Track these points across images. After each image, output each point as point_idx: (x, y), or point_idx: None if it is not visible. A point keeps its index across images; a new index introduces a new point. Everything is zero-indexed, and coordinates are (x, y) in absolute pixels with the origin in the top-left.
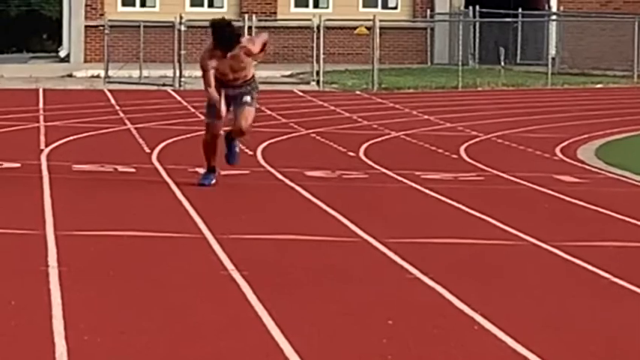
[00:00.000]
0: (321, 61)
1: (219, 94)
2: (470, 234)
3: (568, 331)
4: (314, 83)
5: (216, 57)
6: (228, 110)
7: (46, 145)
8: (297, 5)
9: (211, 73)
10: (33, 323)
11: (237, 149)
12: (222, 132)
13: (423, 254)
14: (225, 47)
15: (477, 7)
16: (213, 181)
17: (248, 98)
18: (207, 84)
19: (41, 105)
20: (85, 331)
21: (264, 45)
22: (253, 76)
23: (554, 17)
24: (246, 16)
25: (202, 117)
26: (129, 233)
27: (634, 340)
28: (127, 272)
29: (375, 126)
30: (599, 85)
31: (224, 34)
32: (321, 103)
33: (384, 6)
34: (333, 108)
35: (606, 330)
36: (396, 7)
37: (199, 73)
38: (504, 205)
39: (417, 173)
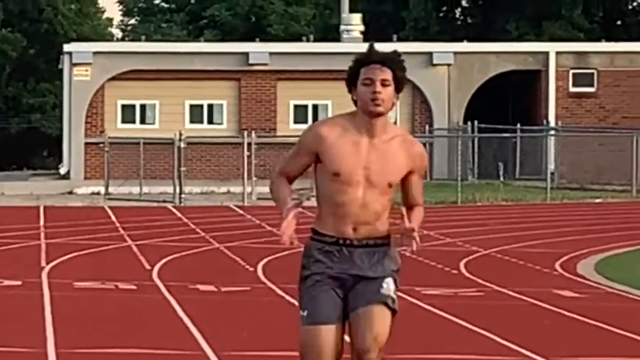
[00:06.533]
0: None
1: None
2: (470, 349)
3: None
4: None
5: (343, 128)
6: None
7: (47, 263)
8: (296, 121)
9: (305, 162)
10: None
11: None
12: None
13: None
14: (384, 63)
15: (476, 123)
16: None
17: (386, 286)
18: (281, 172)
19: (42, 222)
20: None
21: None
22: (390, 236)
23: (552, 132)
24: (246, 132)
25: (203, 233)
26: (130, 350)
27: None
28: None
29: None
30: (598, 200)
31: (388, 54)
32: None
33: None
34: None
35: None
36: (395, 123)
37: (199, 189)
38: (504, 320)
39: (417, 289)
